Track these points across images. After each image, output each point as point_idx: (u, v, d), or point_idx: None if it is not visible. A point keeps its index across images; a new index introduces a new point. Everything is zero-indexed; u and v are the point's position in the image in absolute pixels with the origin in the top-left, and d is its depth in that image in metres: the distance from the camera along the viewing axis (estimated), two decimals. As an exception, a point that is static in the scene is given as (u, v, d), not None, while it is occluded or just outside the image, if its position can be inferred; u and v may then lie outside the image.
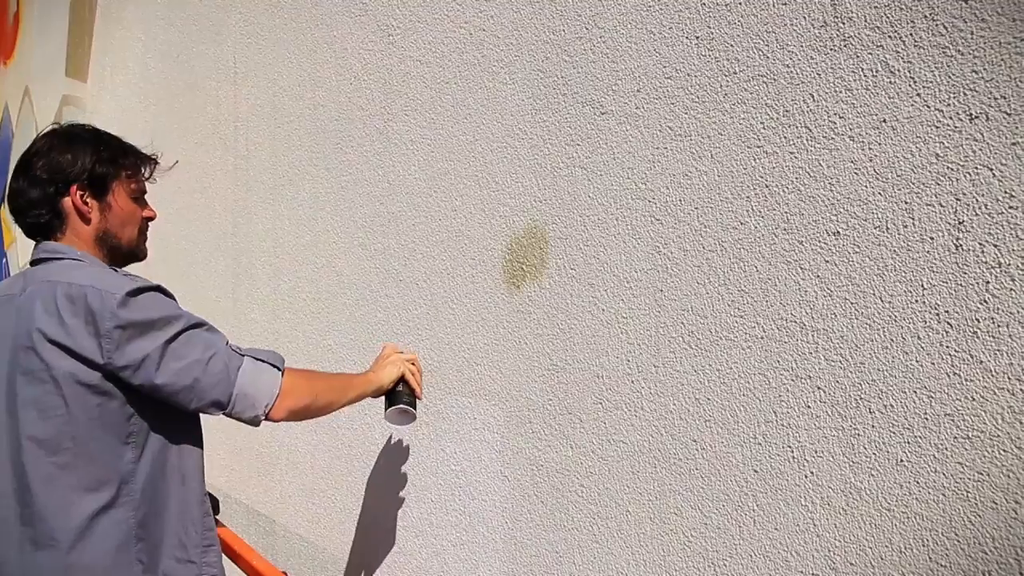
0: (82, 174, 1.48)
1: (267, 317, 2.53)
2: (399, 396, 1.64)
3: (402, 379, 1.66)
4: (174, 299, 1.44)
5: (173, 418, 1.43)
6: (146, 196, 1.61)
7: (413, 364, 1.68)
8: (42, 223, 1.50)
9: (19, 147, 6.08)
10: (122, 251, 1.55)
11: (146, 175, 1.60)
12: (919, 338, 1.04)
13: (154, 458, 1.41)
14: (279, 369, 1.46)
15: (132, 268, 1.56)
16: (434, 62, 1.82)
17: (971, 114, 0.99)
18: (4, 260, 6.32)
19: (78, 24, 4.48)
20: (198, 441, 1.49)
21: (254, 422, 1.44)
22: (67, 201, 1.48)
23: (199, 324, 1.41)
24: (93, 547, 1.35)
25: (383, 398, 1.66)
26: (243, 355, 1.44)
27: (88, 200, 1.50)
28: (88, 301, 1.34)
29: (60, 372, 1.33)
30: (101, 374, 1.34)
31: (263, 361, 1.45)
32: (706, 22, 1.27)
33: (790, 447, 1.18)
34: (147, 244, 1.60)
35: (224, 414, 1.42)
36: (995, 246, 0.97)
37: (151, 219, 1.60)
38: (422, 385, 1.70)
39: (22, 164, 1.51)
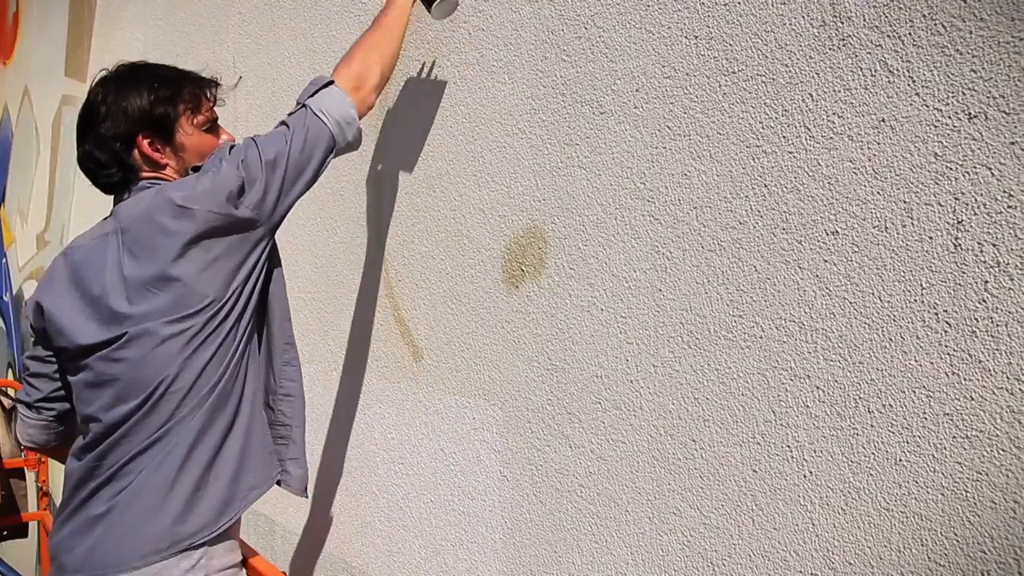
0: (143, 121, 1.43)
1: (266, 317, 2.53)
2: None
3: None
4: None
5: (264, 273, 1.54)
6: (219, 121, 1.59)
7: None
8: (116, 182, 1.46)
9: (19, 147, 6.08)
10: None
11: (210, 102, 1.55)
12: (918, 337, 1.04)
13: (255, 311, 1.51)
14: (330, 82, 1.48)
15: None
16: (432, 62, 1.82)
17: (970, 113, 0.99)
18: (4, 260, 6.32)
19: (77, 24, 4.48)
20: (276, 294, 1.58)
21: (357, 138, 1.53)
22: (136, 154, 1.44)
23: (255, 138, 1.46)
24: (247, 402, 1.47)
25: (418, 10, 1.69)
26: (303, 105, 1.47)
27: (158, 146, 1.45)
28: (203, 189, 1.35)
29: (198, 266, 1.37)
30: (250, 241, 1.42)
31: (315, 93, 1.48)
32: (705, 21, 1.27)
33: (789, 447, 1.17)
34: None
35: (335, 155, 1.50)
36: (994, 245, 0.97)
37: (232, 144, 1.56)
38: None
39: (83, 124, 1.46)
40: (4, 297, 6.22)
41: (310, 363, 2.28)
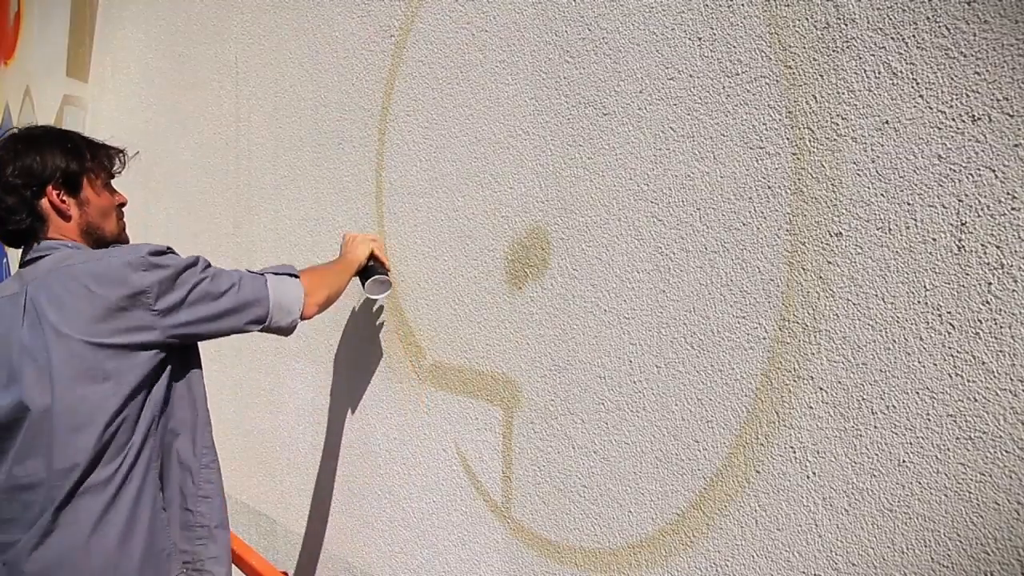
0: (55, 173, 1.53)
1: (268, 317, 2.53)
2: (373, 269, 1.87)
3: (372, 255, 1.88)
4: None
5: (180, 379, 1.56)
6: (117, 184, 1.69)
7: (375, 242, 1.89)
8: (24, 228, 1.54)
9: (19, 147, 6.06)
10: (107, 241, 1.61)
11: (117, 169, 1.67)
12: (921, 339, 1.04)
13: (162, 413, 1.53)
14: (296, 276, 1.65)
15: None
16: (436, 63, 1.82)
17: (973, 116, 0.99)
18: (5, 260, 6.33)
19: (79, 24, 4.48)
20: (196, 401, 1.60)
21: (291, 327, 1.63)
22: (44, 202, 1.53)
23: (211, 265, 1.56)
24: (133, 501, 1.46)
25: (358, 280, 1.88)
26: (263, 274, 1.61)
27: (65, 198, 1.54)
28: (118, 272, 1.42)
29: (91, 345, 1.40)
30: (141, 336, 1.44)
31: (281, 274, 1.63)
32: (708, 23, 1.28)
33: (792, 448, 1.18)
34: (126, 230, 1.69)
35: (262, 329, 1.60)
36: (997, 247, 0.97)
37: (123, 205, 1.67)
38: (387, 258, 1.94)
39: None
40: (5, 297, 6.21)
41: (312, 363, 2.28)
